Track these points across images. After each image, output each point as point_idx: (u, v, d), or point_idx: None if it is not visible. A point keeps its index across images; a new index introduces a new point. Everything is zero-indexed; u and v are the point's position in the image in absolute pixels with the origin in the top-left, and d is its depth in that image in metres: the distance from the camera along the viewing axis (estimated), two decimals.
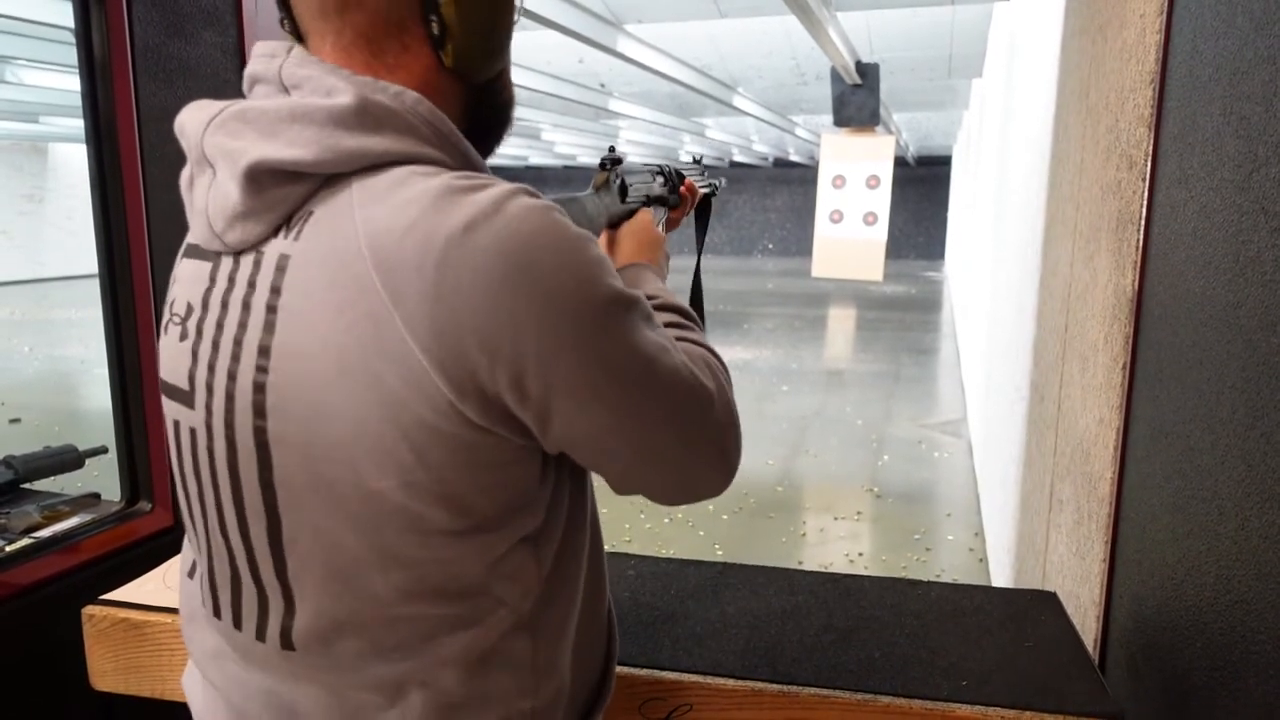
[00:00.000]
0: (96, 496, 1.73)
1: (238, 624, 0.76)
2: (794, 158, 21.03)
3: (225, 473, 0.72)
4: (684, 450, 0.73)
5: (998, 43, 5.62)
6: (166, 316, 0.77)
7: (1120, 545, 1.36)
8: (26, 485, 1.69)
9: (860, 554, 4.45)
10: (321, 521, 0.68)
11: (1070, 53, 2.31)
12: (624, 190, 1.08)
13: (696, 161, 1.39)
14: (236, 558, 0.74)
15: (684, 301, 0.94)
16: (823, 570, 1.53)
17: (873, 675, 1.14)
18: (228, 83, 1.66)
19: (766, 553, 4.46)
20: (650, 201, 1.17)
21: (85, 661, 1.28)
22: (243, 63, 1.70)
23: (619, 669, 1.16)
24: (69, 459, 1.80)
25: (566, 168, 23.80)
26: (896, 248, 22.95)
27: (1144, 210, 1.34)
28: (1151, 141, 1.32)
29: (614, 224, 1.07)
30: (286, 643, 0.72)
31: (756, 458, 6.05)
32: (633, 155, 20.31)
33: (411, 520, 0.67)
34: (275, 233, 0.69)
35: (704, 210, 1.40)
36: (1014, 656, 1.25)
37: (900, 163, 19.26)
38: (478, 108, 0.79)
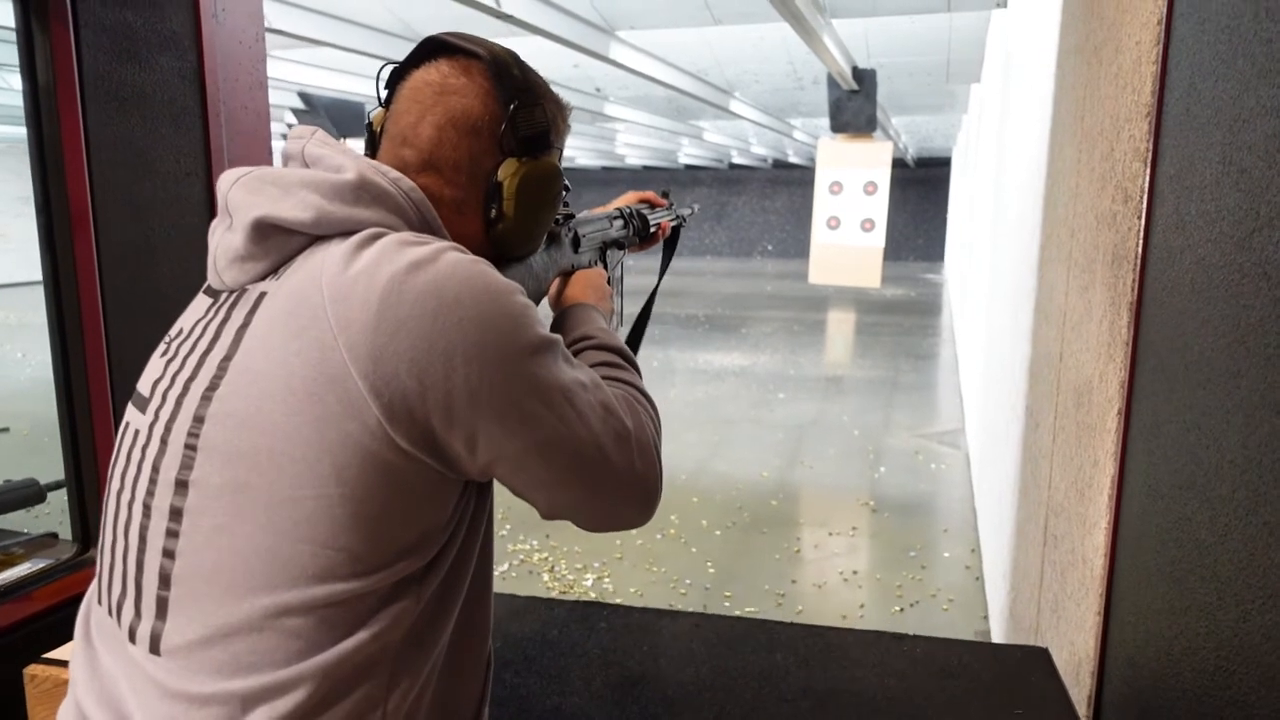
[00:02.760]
0: (55, 536, 1.66)
1: (118, 620, 0.79)
2: (793, 160, 20.96)
3: (148, 471, 0.78)
4: (599, 479, 0.79)
5: (995, 50, 5.55)
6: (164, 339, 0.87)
7: (1115, 603, 1.30)
8: None
9: (855, 572, 4.38)
10: (225, 523, 0.72)
11: (1066, 70, 2.24)
12: (577, 241, 1.11)
13: (665, 194, 1.42)
14: (129, 555, 0.78)
15: (624, 344, 0.99)
16: (804, 624, 1.47)
17: None
18: (186, 109, 1.60)
19: (760, 571, 4.39)
20: (606, 246, 1.21)
21: None
22: (203, 88, 1.64)
23: None
24: (30, 494, 1.73)
25: (566, 169, 23.70)
26: (896, 250, 22.87)
27: (1139, 250, 1.27)
28: (1148, 178, 1.25)
29: (568, 273, 1.11)
30: (154, 648, 0.75)
31: (752, 469, 5.98)
32: (631, 159, 20.20)
33: (314, 532, 0.71)
34: (264, 278, 0.79)
35: (671, 239, 1.46)
36: None
37: (900, 165, 19.17)
38: (501, 263, 0.91)
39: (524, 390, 0.74)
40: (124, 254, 1.50)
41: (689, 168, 24.97)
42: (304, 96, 8.54)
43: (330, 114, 8.41)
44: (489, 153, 0.87)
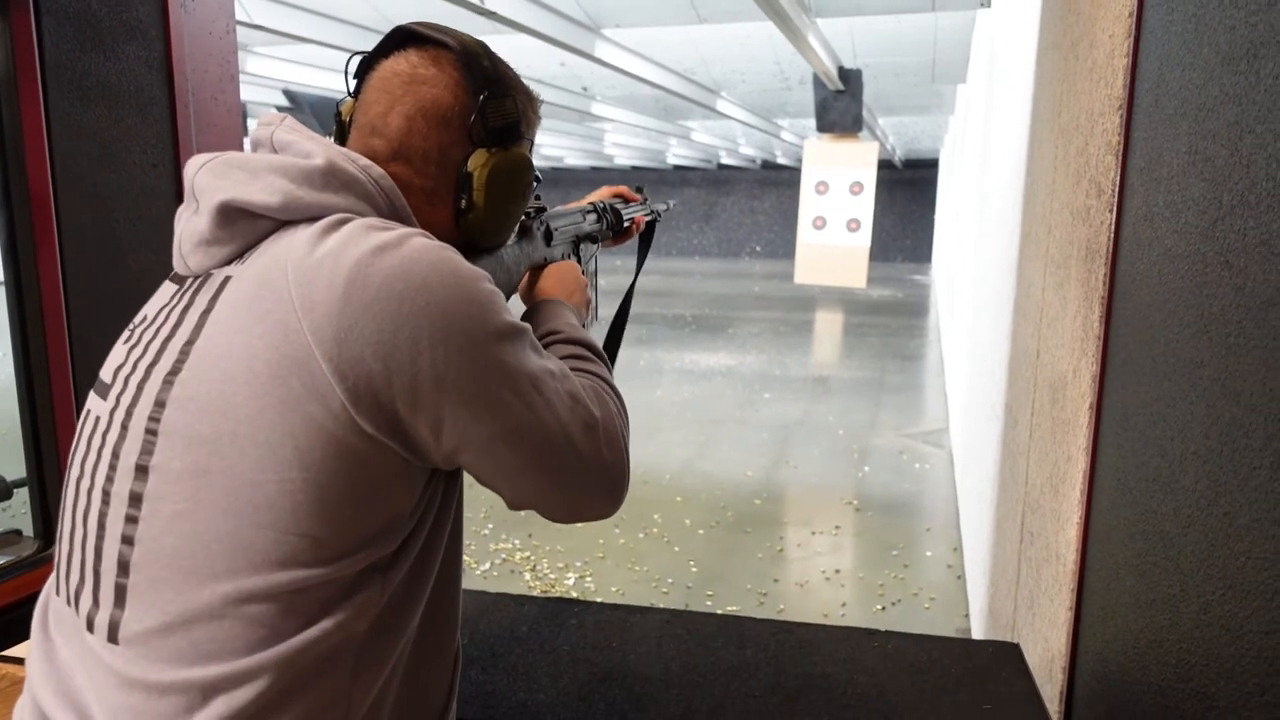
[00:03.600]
0: (19, 533, 1.64)
1: (76, 609, 0.77)
2: (781, 160, 20.99)
3: (108, 457, 0.76)
4: (566, 468, 0.79)
5: (980, 50, 5.57)
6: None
7: (1086, 597, 1.29)
8: None
9: (837, 571, 4.37)
10: (186, 508, 0.71)
11: (1044, 67, 2.24)
12: (549, 235, 1.10)
13: (639, 190, 1.42)
14: (88, 543, 0.76)
15: (592, 338, 0.99)
16: (776, 620, 1.45)
17: None
18: (153, 100, 1.58)
19: (743, 570, 4.39)
20: (579, 240, 1.20)
21: None
22: (170, 78, 1.61)
23: None
24: None
25: (554, 169, 23.72)
26: (884, 251, 22.92)
27: (1111, 243, 1.27)
28: (1119, 171, 1.25)
29: (540, 267, 1.10)
30: (113, 636, 0.73)
31: (736, 469, 5.98)
32: (619, 159, 20.19)
33: (276, 518, 0.70)
34: (230, 262, 0.78)
35: (647, 235, 1.46)
36: None
37: (888, 166, 19.19)
38: (471, 254, 0.90)
39: (491, 376, 0.74)
40: (88, 246, 1.48)
41: (677, 168, 24.98)
42: (289, 94, 8.49)
43: (315, 111, 8.37)
44: (459, 143, 0.86)
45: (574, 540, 4.57)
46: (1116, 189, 1.24)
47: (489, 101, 0.86)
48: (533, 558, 4.46)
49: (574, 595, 4.02)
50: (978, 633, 3.18)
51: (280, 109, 8.95)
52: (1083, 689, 1.27)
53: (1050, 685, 1.41)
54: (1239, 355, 0.73)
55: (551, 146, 16.05)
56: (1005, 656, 1.32)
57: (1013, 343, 2.56)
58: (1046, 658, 1.49)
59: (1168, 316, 0.94)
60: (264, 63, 6.85)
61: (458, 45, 0.86)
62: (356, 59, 0.90)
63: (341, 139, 0.90)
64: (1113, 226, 1.26)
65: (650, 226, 1.46)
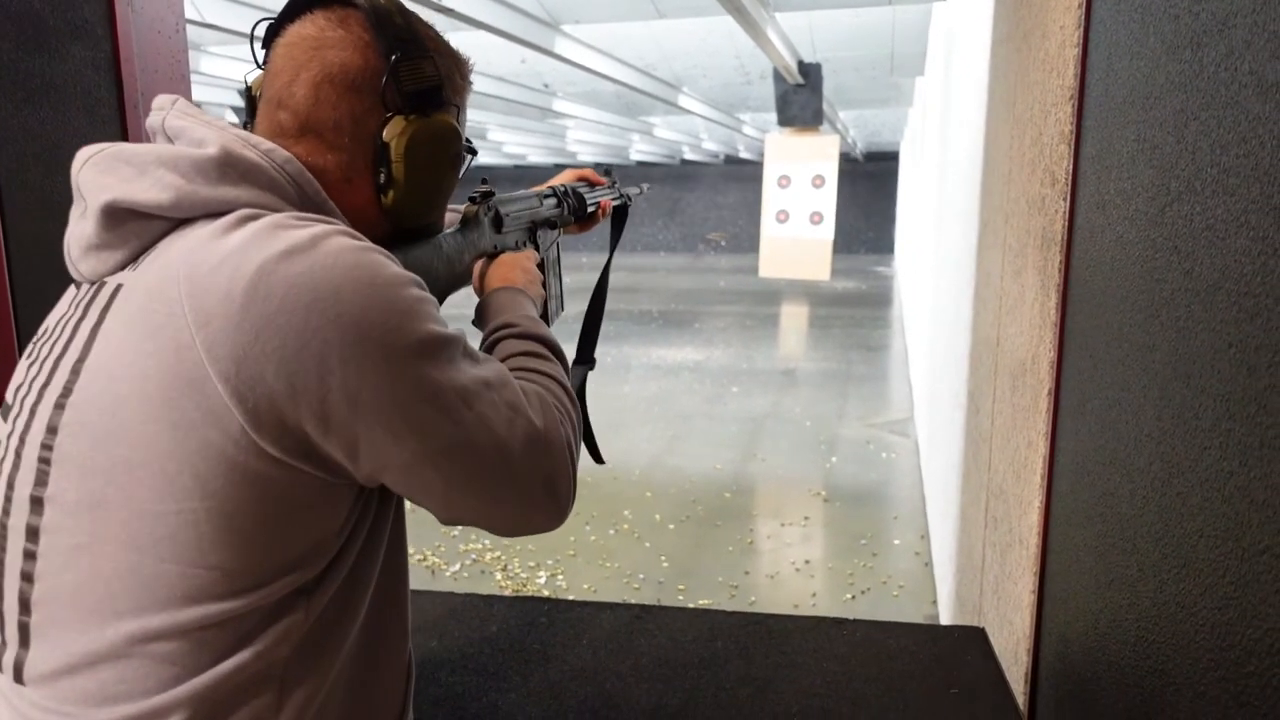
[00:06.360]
0: None
1: None
2: (744, 155, 21.08)
3: (2, 488, 0.71)
4: (501, 486, 0.73)
5: (937, 42, 5.63)
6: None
7: (1048, 579, 1.31)
8: None
9: (807, 561, 4.41)
10: (84, 542, 0.66)
11: (998, 59, 2.27)
12: (499, 220, 1.04)
13: (608, 173, 1.38)
14: None
15: (548, 332, 0.92)
16: (745, 612, 1.46)
17: None
18: (100, 101, 1.54)
19: (714, 564, 4.40)
20: (536, 226, 1.14)
21: None
22: (118, 78, 1.58)
23: None
24: None
25: (517, 167, 23.58)
26: (847, 243, 23.10)
27: (1065, 231, 1.29)
28: (1072, 160, 1.27)
29: (491, 255, 1.03)
30: (19, 676, 0.70)
31: (706, 463, 6.00)
32: (582, 155, 20.14)
33: (179, 550, 0.65)
34: (124, 267, 0.72)
35: (619, 220, 1.41)
36: (938, 704, 1.20)
37: (849, 159, 19.34)
38: (400, 235, 0.85)
39: (411, 393, 0.67)
40: (35, 253, 1.44)
41: (641, 164, 24.97)
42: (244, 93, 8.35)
43: None
44: (373, 111, 0.79)
45: (544, 539, 4.56)
46: (1070, 177, 1.26)
47: (402, 62, 0.78)
48: (503, 557, 4.44)
49: (545, 594, 4.01)
50: (946, 618, 3.23)
51: (237, 109, 8.81)
52: (1047, 670, 1.29)
53: (1016, 667, 1.43)
54: (1188, 338, 0.74)
55: (514, 144, 15.95)
56: (971, 641, 1.34)
57: (974, 331, 2.60)
58: (1012, 640, 1.51)
59: (1121, 302, 0.96)
60: (218, 63, 6.74)
61: (365, 3, 0.79)
62: (264, 25, 0.82)
63: (252, 115, 0.83)
64: (1067, 214, 1.28)
65: (621, 212, 1.40)
